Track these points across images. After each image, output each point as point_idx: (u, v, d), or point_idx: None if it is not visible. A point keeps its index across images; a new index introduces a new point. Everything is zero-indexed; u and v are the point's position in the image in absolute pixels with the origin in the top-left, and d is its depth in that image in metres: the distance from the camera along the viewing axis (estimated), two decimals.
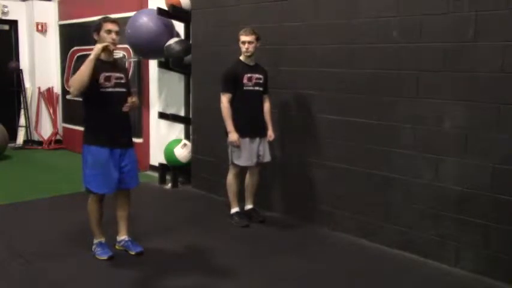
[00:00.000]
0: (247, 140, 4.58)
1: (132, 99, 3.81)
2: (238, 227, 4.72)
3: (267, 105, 4.76)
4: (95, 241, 3.97)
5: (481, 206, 3.67)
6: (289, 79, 4.88)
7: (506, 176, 3.53)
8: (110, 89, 3.72)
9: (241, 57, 4.63)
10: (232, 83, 4.54)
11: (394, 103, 4.11)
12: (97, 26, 3.73)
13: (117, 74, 3.79)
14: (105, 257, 3.88)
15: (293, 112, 4.90)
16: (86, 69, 3.55)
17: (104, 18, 3.79)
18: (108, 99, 3.72)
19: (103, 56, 3.72)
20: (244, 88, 4.56)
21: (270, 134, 4.73)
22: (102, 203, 3.92)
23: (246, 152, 4.60)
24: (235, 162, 4.67)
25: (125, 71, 4.00)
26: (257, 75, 4.63)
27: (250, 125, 4.59)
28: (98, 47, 3.64)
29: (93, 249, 3.96)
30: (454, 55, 3.74)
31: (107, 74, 3.70)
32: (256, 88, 4.63)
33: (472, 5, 3.61)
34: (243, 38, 4.54)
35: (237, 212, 4.85)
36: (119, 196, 4.01)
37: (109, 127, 3.75)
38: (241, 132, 4.55)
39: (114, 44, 3.74)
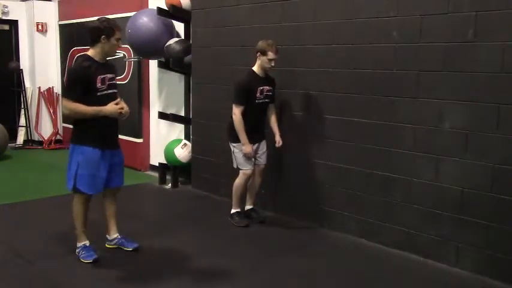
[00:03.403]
0: None
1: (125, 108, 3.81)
2: (238, 227, 4.73)
3: (273, 115, 4.75)
4: (79, 244, 3.89)
5: (481, 206, 3.67)
6: (289, 79, 4.88)
7: (506, 176, 3.53)
8: (105, 92, 3.75)
9: (255, 68, 4.57)
10: (246, 96, 4.51)
11: (394, 103, 4.11)
12: (108, 30, 3.69)
13: (110, 75, 3.83)
14: (90, 260, 3.80)
15: (293, 112, 4.90)
16: (86, 114, 3.65)
17: (114, 23, 3.76)
18: (102, 102, 3.72)
19: (99, 58, 3.77)
20: (256, 101, 4.55)
21: (278, 139, 4.71)
22: (88, 204, 3.89)
23: (248, 159, 4.63)
24: (243, 169, 4.65)
25: (114, 70, 4.01)
26: (268, 88, 4.61)
27: (252, 134, 4.58)
28: (114, 111, 3.69)
29: (77, 253, 3.88)
30: (454, 55, 3.74)
31: (102, 76, 3.74)
32: (266, 100, 4.63)
33: (472, 5, 3.61)
34: (271, 55, 4.42)
35: (237, 212, 4.85)
36: (108, 195, 4.02)
37: (102, 129, 3.76)
38: None
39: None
